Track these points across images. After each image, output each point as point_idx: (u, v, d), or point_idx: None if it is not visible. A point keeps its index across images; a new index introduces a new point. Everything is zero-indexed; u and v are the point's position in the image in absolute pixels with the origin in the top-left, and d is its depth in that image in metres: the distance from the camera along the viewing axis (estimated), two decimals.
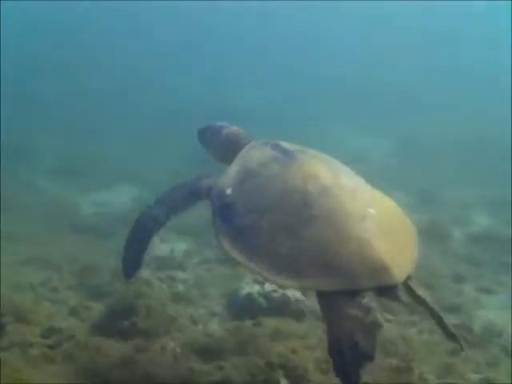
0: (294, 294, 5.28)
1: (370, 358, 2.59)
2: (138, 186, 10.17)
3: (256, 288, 5.29)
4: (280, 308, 5.19)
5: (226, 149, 3.85)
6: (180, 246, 7.38)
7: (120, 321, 4.52)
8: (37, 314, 4.57)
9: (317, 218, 2.91)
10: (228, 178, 3.40)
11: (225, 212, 3.21)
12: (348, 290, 2.71)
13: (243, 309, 5.24)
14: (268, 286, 5.28)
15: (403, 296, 2.96)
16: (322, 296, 2.83)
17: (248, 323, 4.97)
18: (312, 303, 5.33)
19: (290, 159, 3.31)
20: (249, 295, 5.26)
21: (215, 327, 5.09)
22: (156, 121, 14.49)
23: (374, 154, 13.30)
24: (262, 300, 5.22)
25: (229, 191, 3.29)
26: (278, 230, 2.94)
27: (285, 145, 3.49)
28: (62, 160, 11.64)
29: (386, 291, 2.82)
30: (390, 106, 16.63)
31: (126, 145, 12.63)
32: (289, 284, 2.96)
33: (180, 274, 6.43)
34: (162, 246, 7.38)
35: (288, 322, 4.99)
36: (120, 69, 20.88)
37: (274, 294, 5.24)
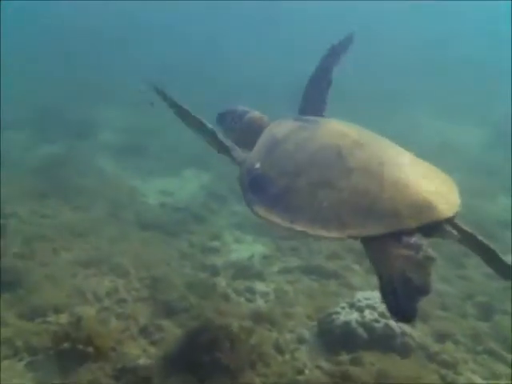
0: (399, 325, 4.67)
1: (424, 291, 2.65)
2: (205, 172, 9.72)
3: (354, 315, 4.72)
4: (383, 341, 4.61)
5: (249, 134, 3.89)
6: (257, 249, 6.88)
7: (200, 354, 4.04)
8: (105, 338, 4.17)
9: (353, 169, 3.05)
10: (255, 154, 3.52)
11: (256, 184, 3.31)
12: (395, 232, 2.79)
13: (338, 339, 4.69)
14: (369, 314, 4.70)
15: (453, 231, 2.98)
16: (369, 243, 2.90)
17: (345, 358, 4.48)
18: (420, 338, 4.75)
19: (315, 125, 3.52)
20: (346, 324, 4.69)
21: (304, 358, 4.59)
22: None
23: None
24: (361, 330, 4.65)
25: (257, 164, 3.40)
26: (316, 186, 3.05)
27: (307, 117, 3.71)
28: (123, 138, 11.32)
29: (434, 230, 2.89)
30: None
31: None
32: (335, 236, 2.95)
33: (259, 285, 5.93)
34: (236, 247, 6.93)
35: (393, 359, 4.47)
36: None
37: (376, 324, 4.65)
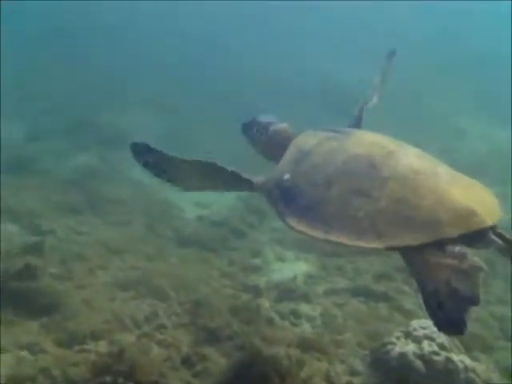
0: (461, 358, 4.37)
1: (473, 301, 2.56)
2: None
3: (411, 347, 4.42)
4: (443, 376, 4.31)
5: (275, 146, 3.86)
6: (300, 268, 6.64)
7: None
8: (147, 371, 3.96)
9: (388, 178, 2.98)
10: (283, 165, 3.45)
11: (287, 195, 3.25)
12: (436, 242, 2.72)
13: (394, 372, 4.41)
14: (427, 345, 4.40)
15: (497, 240, 2.88)
16: (409, 254, 2.81)
17: None
18: (485, 373, 4.43)
19: (345, 135, 3.43)
20: (402, 356, 4.40)
21: None
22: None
23: None
24: (419, 364, 4.35)
25: (287, 176, 3.34)
26: (351, 196, 2.99)
27: (336, 127, 3.60)
28: (156, 145, 11.13)
29: (476, 239, 2.81)
30: None
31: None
32: (372, 247, 2.86)
33: (305, 308, 5.69)
34: (278, 265, 6.69)
35: None
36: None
37: (436, 358, 4.36)
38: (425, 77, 17.13)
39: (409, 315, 5.51)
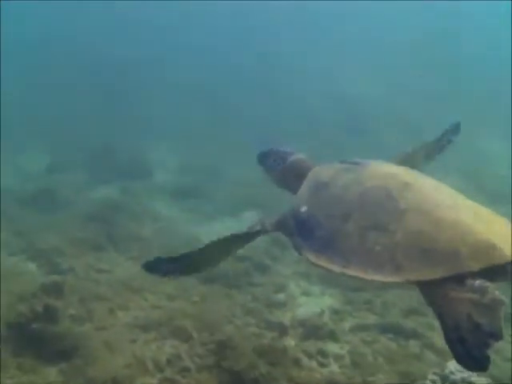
0: None
1: (496, 336, 2.53)
2: (266, 214, 9.36)
3: None
4: None
5: (291, 176, 3.88)
6: (326, 303, 6.45)
7: None
8: None
9: (406, 211, 2.96)
10: (300, 198, 3.49)
11: (304, 228, 3.27)
12: (455, 276, 2.69)
13: None
14: None
15: None
16: (428, 288, 2.78)
17: None
18: None
19: (362, 166, 3.42)
20: None
21: None
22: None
23: None
24: None
25: (304, 208, 3.36)
26: (367, 229, 2.98)
27: (354, 159, 3.57)
28: (178, 177, 11.12)
29: (497, 273, 2.76)
30: None
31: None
32: (390, 280, 2.85)
33: (332, 347, 5.50)
34: (303, 300, 6.51)
35: None
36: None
37: None
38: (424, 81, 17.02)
39: (441, 354, 5.27)
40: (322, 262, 3.09)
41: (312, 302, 6.49)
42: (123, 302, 5.81)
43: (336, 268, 3.02)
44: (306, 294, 6.70)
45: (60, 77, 18.39)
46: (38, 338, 4.75)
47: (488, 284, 2.66)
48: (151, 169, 11.47)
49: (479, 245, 2.76)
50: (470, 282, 2.68)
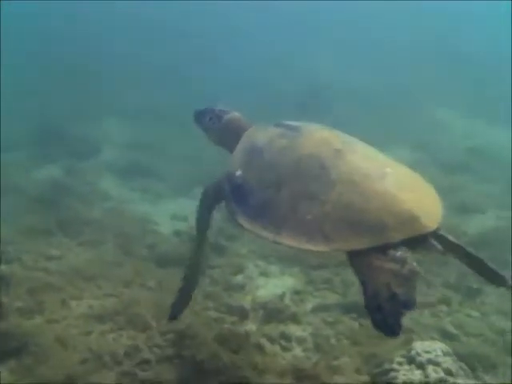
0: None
1: (410, 306, 2.75)
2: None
3: (417, 375, 4.16)
4: None
5: (228, 135, 4.01)
6: (286, 283, 6.35)
7: None
8: None
9: (337, 181, 3.06)
10: (235, 161, 3.58)
11: (238, 193, 3.37)
12: (380, 246, 2.83)
13: None
14: (433, 372, 4.15)
15: (437, 245, 3.04)
16: (354, 256, 2.94)
17: None
18: None
19: (296, 132, 3.48)
20: None
21: None
22: None
23: None
24: None
25: (238, 172, 3.44)
26: (300, 198, 3.08)
27: (288, 122, 3.65)
28: (126, 155, 10.76)
29: (419, 242, 2.94)
30: None
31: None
32: (321, 250, 2.98)
33: (294, 329, 5.41)
34: (262, 281, 6.39)
35: None
36: None
37: None
38: (419, 76, 17.07)
39: (405, 334, 5.26)
40: (256, 229, 3.20)
41: (271, 283, 6.38)
42: (76, 291, 5.54)
43: (269, 235, 3.12)
44: (264, 274, 6.58)
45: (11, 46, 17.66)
46: None
47: (408, 255, 2.83)
48: (99, 146, 11.07)
49: (402, 216, 2.91)
50: (392, 252, 2.83)
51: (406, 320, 5.30)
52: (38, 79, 15.18)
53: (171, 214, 8.17)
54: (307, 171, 3.19)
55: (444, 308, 5.78)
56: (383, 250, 2.85)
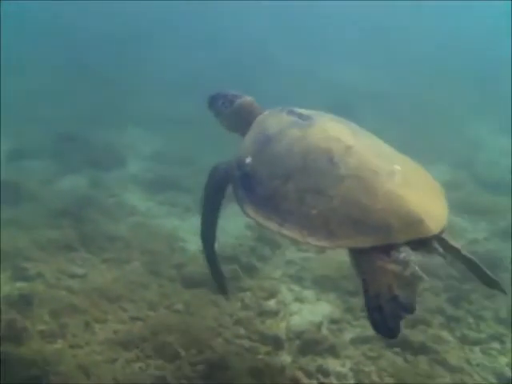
0: None
1: (410, 310, 2.78)
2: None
3: None
4: None
5: (239, 119, 4.06)
6: (322, 310, 6.05)
7: None
8: None
9: (345, 177, 3.09)
10: (246, 148, 3.62)
11: (246, 181, 3.42)
12: (383, 246, 2.88)
13: None
14: None
15: (439, 248, 3.08)
16: (357, 254, 3.00)
17: None
18: None
19: (308, 123, 3.51)
20: None
21: None
22: None
23: None
24: None
25: (248, 160, 3.48)
26: (306, 192, 3.11)
27: (301, 110, 3.70)
28: (154, 167, 10.55)
29: (422, 244, 2.99)
30: None
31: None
32: (323, 245, 3.06)
33: (333, 363, 5.11)
34: (297, 307, 6.10)
35: None
36: None
37: None
38: (425, 81, 16.79)
39: (453, 371, 4.96)
40: (260, 219, 3.26)
41: (306, 310, 6.08)
42: (100, 313, 5.31)
43: (273, 226, 3.18)
44: (299, 299, 6.27)
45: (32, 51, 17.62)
46: (1, 363, 4.22)
47: (411, 258, 2.88)
48: (123, 157, 10.86)
49: (408, 218, 2.95)
50: (395, 253, 2.88)
51: (455, 358, 5.05)
52: (51, 84, 15.11)
53: (199, 231, 7.88)
54: (316, 165, 3.22)
55: (497, 345, 5.42)
56: (386, 250, 2.90)
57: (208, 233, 4.37)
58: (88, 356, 4.64)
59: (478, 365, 5.09)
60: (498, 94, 16.00)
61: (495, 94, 16.15)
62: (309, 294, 6.42)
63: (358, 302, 6.10)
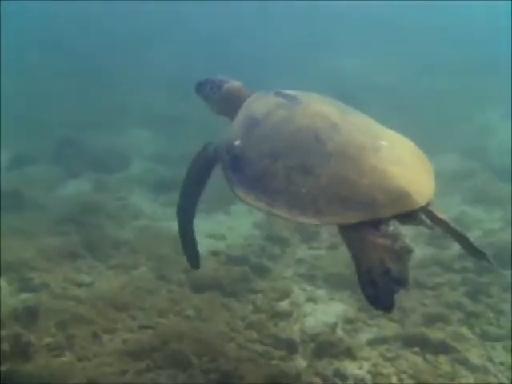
0: None
1: (403, 284, 2.84)
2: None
3: None
4: None
5: (228, 103, 4.13)
6: (336, 310, 5.92)
7: None
8: None
9: (331, 154, 3.15)
10: (234, 130, 3.67)
11: (236, 163, 3.45)
12: (372, 221, 2.92)
13: None
14: None
15: (426, 220, 3.15)
16: (346, 231, 3.06)
17: None
18: None
19: (294, 103, 3.58)
20: None
21: None
22: None
23: None
24: None
25: (237, 142, 3.52)
26: (294, 171, 3.16)
27: (287, 91, 3.76)
28: (157, 168, 10.42)
29: (409, 217, 3.04)
30: None
31: None
32: (313, 222, 3.09)
33: (350, 366, 4.98)
34: (310, 308, 5.97)
35: None
36: None
37: None
38: (429, 73, 16.62)
39: (476, 370, 4.83)
40: (250, 200, 3.29)
41: (320, 310, 5.96)
42: (108, 323, 5.20)
43: (262, 206, 3.22)
44: (312, 299, 6.14)
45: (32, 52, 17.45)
46: (7, 381, 4.12)
47: (400, 231, 2.92)
48: (126, 158, 10.74)
49: (394, 192, 2.99)
50: (384, 227, 2.92)
51: (477, 356, 4.92)
52: (51, 85, 15.00)
53: (207, 232, 7.76)
54: (303, 144, 3.27)
55: None
56: (375, 225, 2.94)
57: (187, 208, 4.25)
58: (97, 368, 4.52)
59: (501, 363, 4.94)
60: (504, 83, 15.74)
61: (500, 82, 15.89)
62: (322, 293, 6.30)
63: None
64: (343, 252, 6.98)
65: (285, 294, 6.19)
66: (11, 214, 7.64)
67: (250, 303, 5.95)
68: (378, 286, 2.83)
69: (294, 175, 3.16)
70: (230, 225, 8.10)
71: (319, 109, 3.50)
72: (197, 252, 4.49)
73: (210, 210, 8.50)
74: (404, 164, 3.19)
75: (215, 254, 7.12)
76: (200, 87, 4.38)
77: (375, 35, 22.60)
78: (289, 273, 6.72)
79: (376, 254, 2.87)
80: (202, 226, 7.94)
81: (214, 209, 8.53)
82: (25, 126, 12.05)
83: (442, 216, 3.36)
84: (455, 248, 6.99)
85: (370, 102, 12.94)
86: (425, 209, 3.17)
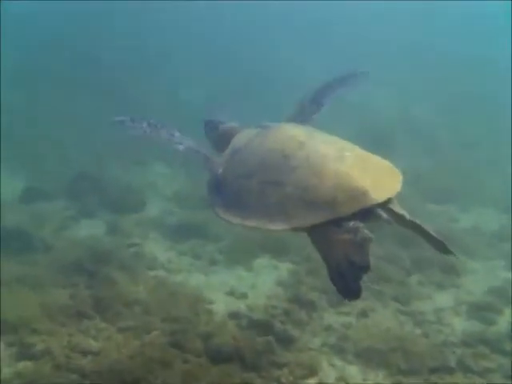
0: None
1: (366, 268, 3.12)
2: (284, 261, 8.24)
3: None
4: None
5: (222, 141, 4.48)
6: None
7: None
8: None
9: (297, 166, 3.51)
10: (220, 162, 4.12)
11: (218, 188, 3.88)
12: (334, 220, 3.23)
13: None
14: None
15: (383, 214, 3.38)
16: (313, 233, 3.36)
17: None
18: None
19: (268, 130, 4.05)
20: None
21: None
22: None
23: None
24: None
25: (220, 170, 3.99)
26: (265, 185, 3.54)
27: (267, 122, 4.22)
28: (175, 210, 10.00)
29: (369, 214, 3.32)
30: None
31: None
32: (282, 228, 3.37)
33: None
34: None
35: None
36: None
37: None
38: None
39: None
40: (228, 217, 3.62)
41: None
42: None
43: (238, 221, 3.53)
44: (343, 378, 5.65)
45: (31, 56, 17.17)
46: None
47: (360, 224, 3.16)
48: (144, 198, 10.33)
49: (352, 191, 3.27)
50: (345, 224, 3.18)
51: None
52: (55, 94, 14.87)
53: (227, 290, 7.30)
54: (271, 161, 3.62)
55: None
56: (338, 224, 3.20)
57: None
58: None
59: None
60: None
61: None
62: (353, 370, 5.81)
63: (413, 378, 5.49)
64: (375, 320, 6.57)
65: (313, 371, 5.73)
66: (15, 257, 7.27)
67: (275, 381, 5.46)
68: (346, 277, 3.11)
69: (264, 189, 3.50)
70: (251, 282, 7.61)
71: (287, 132, 3.87)
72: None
73: (229, 264, 8.08)
74: (364, 168, 3.47)
75: (235, 316, 6.66)
76: (204, 126, 4.82)
77: (399, 61, 22.27)
78: (316, 343, 6.24)
79: (341, 249, 3.12)
80: (221, 280, 7.53)
81: (233, 262, 8.11)
82: (37, 148, 11.80)
83: (401, 211, 3.52)
84: (501, 322, 6.49)
85: (405, 145, 12.63)
86: (384, 206, 3.39)
